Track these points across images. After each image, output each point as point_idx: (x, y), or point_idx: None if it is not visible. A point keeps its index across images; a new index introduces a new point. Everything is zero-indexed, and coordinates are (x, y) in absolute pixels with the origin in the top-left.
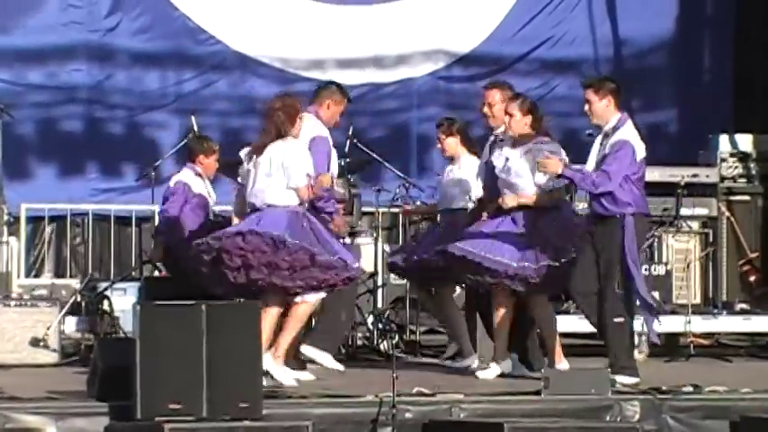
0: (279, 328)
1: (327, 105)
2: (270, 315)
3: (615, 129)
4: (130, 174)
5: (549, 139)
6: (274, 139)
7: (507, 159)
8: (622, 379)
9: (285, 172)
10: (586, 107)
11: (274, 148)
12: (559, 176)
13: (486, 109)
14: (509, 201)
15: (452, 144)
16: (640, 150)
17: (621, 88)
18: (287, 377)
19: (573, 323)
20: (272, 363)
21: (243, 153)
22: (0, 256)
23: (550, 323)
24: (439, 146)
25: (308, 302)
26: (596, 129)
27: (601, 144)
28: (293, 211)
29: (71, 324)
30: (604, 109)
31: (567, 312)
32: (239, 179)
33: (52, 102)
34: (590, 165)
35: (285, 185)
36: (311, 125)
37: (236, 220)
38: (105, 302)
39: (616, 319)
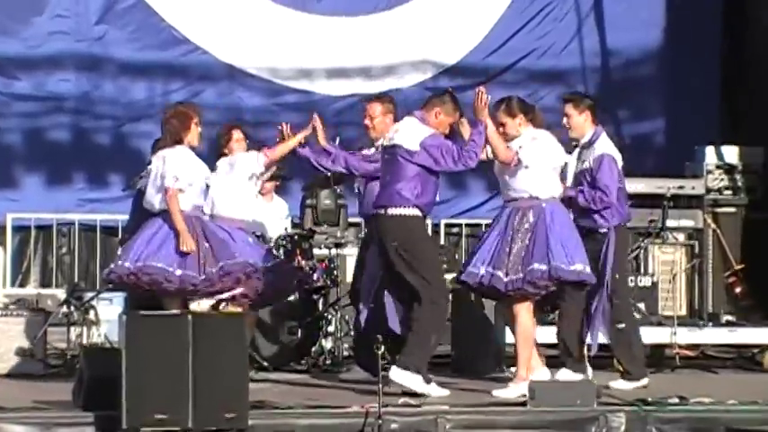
0: None
1: (436, 114)
2: None
3: (591, 142)
4: (117, 184)
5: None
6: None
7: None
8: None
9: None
10: (565, 120)
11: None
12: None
13: (367, 121)
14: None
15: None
16: (619, 161)
17: (598, 103)
18: None
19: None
20: None
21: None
22: None
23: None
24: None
25: None
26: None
27: (579, 158)
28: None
29: (57, 334)
30: (583, 123)
31: (552, 324)
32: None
33: (39, 112)
34: (569, 178)
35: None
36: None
37: None
38: (91, 312)
39: (619, 326)
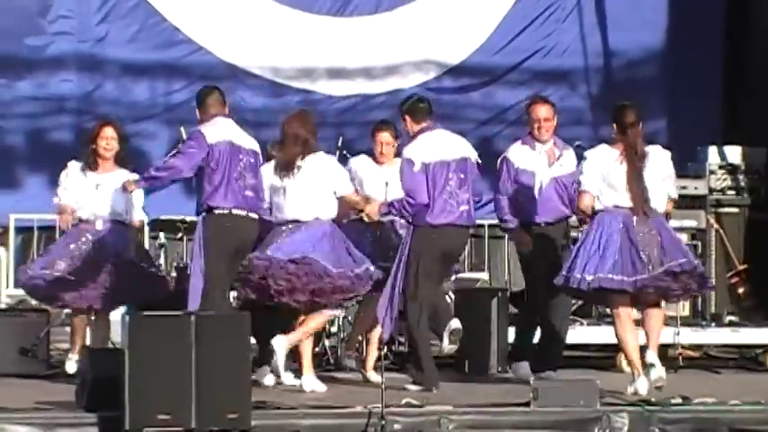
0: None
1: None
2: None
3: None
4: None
5: None
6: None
7: None
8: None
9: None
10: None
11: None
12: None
13: None
14: None
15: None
16: (419, 161)
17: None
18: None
19: None
20: None
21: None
22: None
23: None
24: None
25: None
26: None
27: None
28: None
29: (59, 335)
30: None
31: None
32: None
33: (41, 112)
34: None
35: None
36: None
37: None
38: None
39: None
